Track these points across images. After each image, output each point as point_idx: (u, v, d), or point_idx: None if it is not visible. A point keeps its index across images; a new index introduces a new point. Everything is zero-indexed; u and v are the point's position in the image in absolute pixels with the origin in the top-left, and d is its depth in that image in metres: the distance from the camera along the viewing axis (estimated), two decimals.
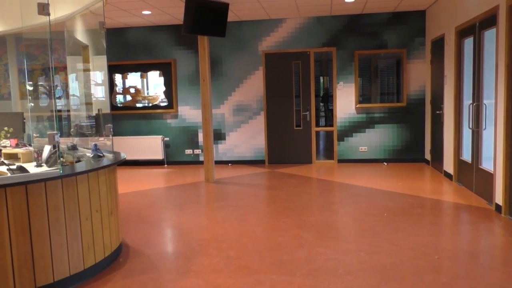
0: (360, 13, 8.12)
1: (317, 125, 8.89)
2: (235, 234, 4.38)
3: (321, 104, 13.02)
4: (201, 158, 8.77)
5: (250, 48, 8.50)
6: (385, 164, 8.30)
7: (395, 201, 5.51)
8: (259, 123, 8.63)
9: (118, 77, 8.97)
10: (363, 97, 8.48)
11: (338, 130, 8.45)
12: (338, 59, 8.32)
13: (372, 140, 8.39)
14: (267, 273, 3.39)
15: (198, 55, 6.99)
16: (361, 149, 8.42)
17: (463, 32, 6.03)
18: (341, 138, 8.47)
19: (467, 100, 5.97)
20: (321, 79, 13.23)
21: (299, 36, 8.37)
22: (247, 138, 8.70)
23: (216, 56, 8.57)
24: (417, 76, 8.19)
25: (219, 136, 8.73)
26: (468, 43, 5.91)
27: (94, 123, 6.57)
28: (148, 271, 3.50)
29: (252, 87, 8.58)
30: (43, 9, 3.23)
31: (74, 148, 4.31)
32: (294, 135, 8.60)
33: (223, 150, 8.78)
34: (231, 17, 7.98)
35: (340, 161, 8.50)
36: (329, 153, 9.29)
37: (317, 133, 9.12)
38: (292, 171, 7.87)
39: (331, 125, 8.74)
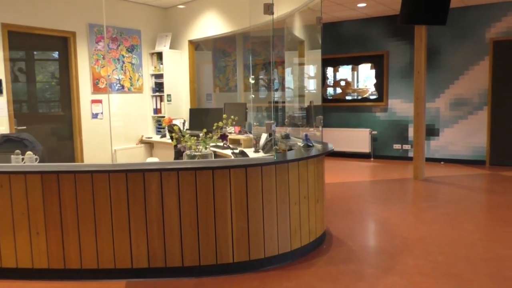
0: None
1: None
2: (445, 238, 4.03)
3: None
4: (410, 154, 8.33)
5: (475, 36, 7.62)
6: None
7: None
8: (480, 119, 7.70)
9: (329, 70, 9.22)
10: None
11: None
12: None
13: None
14: (482, 286, 3.02)
15: (413, 45, 6.62)
16: None
17: None
18: None
19: None
20: None
21: None
22: (465, 135, 7.87)
23: (433, 46, 7.96)
24: None
25: (431, 131, 8.14)
26: None
27: (305, 114, 6.92)
28: (350, 261, 3.52)
29: (475, 79, 7.69)
30: (268, 8, 3.54)
31: (287, 137, 4.63)
32: None
33: (436, 147, 8.16)
34: (453, 2, 7.27)
35: None
36: None
37: None
38: None
39: None
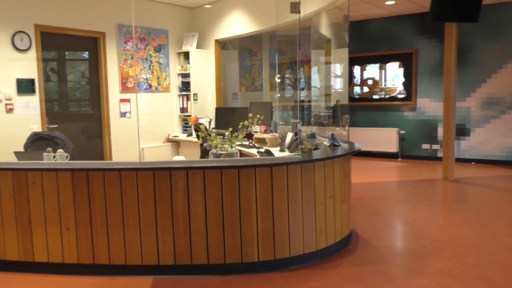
0: None
1: None
2: (475, 240, 3.93)
3: None
4: (439, 154, 8.15)
5: (508, 33, 7.39)
6: None
7: None
8: None
9: (356, 69, 9.11)
10: None
11: None
12: None
13: None
14: None
15: (443, 43, 6.47)
16: None
17: None
18: None
19: None
20: None
21: None
22: (497, 135, 7.65)
23: (464, 44, 7.77)
24: None
25: (462, 131, 7.94)
26: None
27: (331, 113, 6.86)
28: (377, 262, 3.47)
29: (508, 78, 7.46)
30: (295, 7, 3.52)
31: (313, 136, 4.60)
32: None
33: (466, 147, 7.96)
34: None
35: None
36: None
37: None
38: None
39: None
